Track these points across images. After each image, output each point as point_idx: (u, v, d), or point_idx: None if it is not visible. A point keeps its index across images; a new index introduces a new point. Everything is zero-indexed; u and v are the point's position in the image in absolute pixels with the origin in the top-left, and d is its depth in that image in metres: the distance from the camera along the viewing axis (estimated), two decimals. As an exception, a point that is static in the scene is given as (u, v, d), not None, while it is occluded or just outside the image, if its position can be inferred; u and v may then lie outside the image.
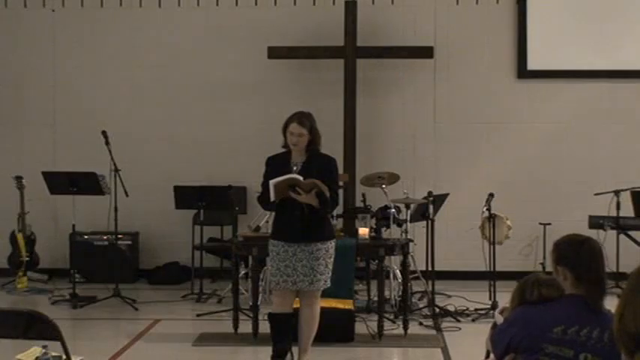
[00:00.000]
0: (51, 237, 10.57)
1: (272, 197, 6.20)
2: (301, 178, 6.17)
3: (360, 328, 7.64)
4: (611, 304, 3.67)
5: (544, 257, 10.03)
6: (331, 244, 6.39)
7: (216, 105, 10.67)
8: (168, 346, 7.55)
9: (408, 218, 8.79)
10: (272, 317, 6.51)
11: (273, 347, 6.50)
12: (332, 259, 6.40)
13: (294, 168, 6.35)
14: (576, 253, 3.67)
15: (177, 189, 9.62)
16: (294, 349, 6.57)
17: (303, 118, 6.36)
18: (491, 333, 3.91)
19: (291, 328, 6.49)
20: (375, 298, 7.98)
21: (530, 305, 3.74)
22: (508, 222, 9.04)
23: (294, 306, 6.53)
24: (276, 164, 6.40)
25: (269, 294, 8.48)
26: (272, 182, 6.17)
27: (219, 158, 10.60)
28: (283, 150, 6.48)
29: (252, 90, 10.61)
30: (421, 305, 8.80)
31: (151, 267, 10.65)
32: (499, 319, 3.95)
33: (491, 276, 8.58)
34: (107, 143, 9.06)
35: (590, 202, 9.91)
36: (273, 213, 6.74)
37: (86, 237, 10.24)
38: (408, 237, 8.56)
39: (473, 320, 8.32)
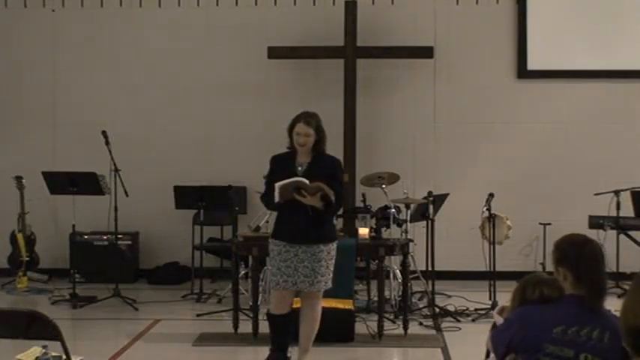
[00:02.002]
0: (51, 237, 10.57)
1: (276, 198, 6.18)
2: (307, 181, 6.14)
3: (360, 328, 7.64)
4: (611, 304, 3.67)
5: (544, 257, 10.04)
6: (333, 246, 6.38)
7: (216, 105, 10.67)
8: (169, 346, 7.55)
9: (408, 218, 8.79)
10: (271, 318, 6.50)
11: (272, 343, 6.50)
12: (333, 261, 6.39)
13: (299, 168, 6.32)
14: (578, 255, 3.66)
15: (177, 189, 9.62)
16: (294, 349, 6.56)
17: (309, 118, 6.33)
18: (491, 333, 3.91)
19: (290, 327, 6.50)
20: (375, 298, 7.98)
21: (530, 305, 3.73)
22: (508, 222, 9.04)
23: (295, 306, 6.54)
24: (281, 164, 6.37)
25: (269, 294, 8.47)
26: (278, 185, 6.13)
27: (219, 158, 10.60)
28: (287, 150, 6.44)
29: (252, 90, 10.60)
30: (421, 305, 8.80)
31: (151, 267, 10.65)
32: (498, 319, 3.95)
33: (492, 276, 8.58)
34: (107, 143, 9.06)
35: (590, 202, 9.90)
36: (274, 213, 6.73)
37: (86, 237, 10.24)
38: (408, 237, 8.56)
39: (473, 320, 8.32)
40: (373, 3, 10.60)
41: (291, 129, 6.34)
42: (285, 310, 6.44)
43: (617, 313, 3.05)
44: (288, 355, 6.56)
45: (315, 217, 6.23)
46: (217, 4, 10.74)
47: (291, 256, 6.27)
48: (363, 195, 9.63)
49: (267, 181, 6.43)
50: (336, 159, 6.48)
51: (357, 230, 7.79)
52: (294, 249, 6.27)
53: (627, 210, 9.65)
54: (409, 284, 8.18)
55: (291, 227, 6.27)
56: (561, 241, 3.77)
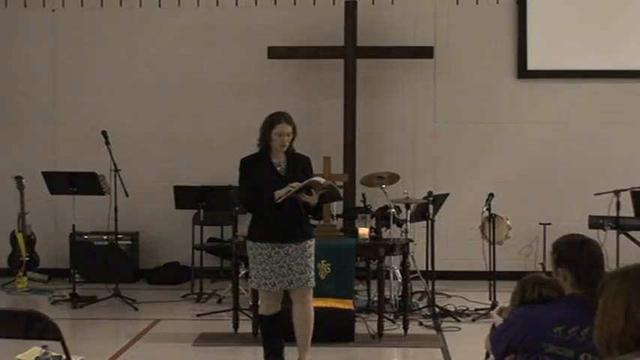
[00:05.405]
0: (51, 237, 10.57)
1: (280, 199, 6.13)
2: (322, 180, 6.19)
3: (360, 328, 7.64)
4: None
5: (544, 257, 10.03)
6: (314, 241, 6.43)
7: (216, 105, 10.66)
8: (169, 346, 7.55)
9: (408, 218, 8.79)
10: (266, 319, 6.48)
11: (267, 347, 6.50)
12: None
13: (278, 168, 6.33)
14: (577, 255, 3.65)
15: (177, 189, 9.62)
16: (291, 350, 6.55)
17: (288, 117, 6.34)
18: (490, 333, 3.90)
19: (284, 324, 6.51)
20: (375, 298, 7.98)
21: (530, 305, 3.73)
22: (508, 222, 9.04)
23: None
24: (257, 165, 6.34)
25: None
26: (292, 185, 6.13)
27: (219, 158, 10.58)
28: (259, 149, 6.40)
29: (252, 90, 10.60)
30: (421, 305, 8.80)
31: (151, 267, 10.65)
32: (497, 319, 3.94)
33: (491, 276, 8.58)
34: (107, 143, 9.06)
35: (590, 202, 9.88)
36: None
37: (86, 237, 10.24)
38: (408, 237, 8.56)
39: (473, 320, 8.31)
40: (373, 3, 10.60)
41: (269, 129, 6.28)
42: (277, 309, 6.46)
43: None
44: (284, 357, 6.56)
45: (301, 215, 6.28)
46: (217, 4, 10.74)
47: (282, 256, 6.26)
48: (363, 195, 9.62)
49: (249, 182, 6.32)
50: (307, 157, 6.49)
51: (357, 230, 7.79)
52: (284, 249, 6.26)
53: (627, 210, 9.64)
54: (409, 284, 8.18)
55: (282, 227, 6.24)
56: (560, 241, 3.76)
